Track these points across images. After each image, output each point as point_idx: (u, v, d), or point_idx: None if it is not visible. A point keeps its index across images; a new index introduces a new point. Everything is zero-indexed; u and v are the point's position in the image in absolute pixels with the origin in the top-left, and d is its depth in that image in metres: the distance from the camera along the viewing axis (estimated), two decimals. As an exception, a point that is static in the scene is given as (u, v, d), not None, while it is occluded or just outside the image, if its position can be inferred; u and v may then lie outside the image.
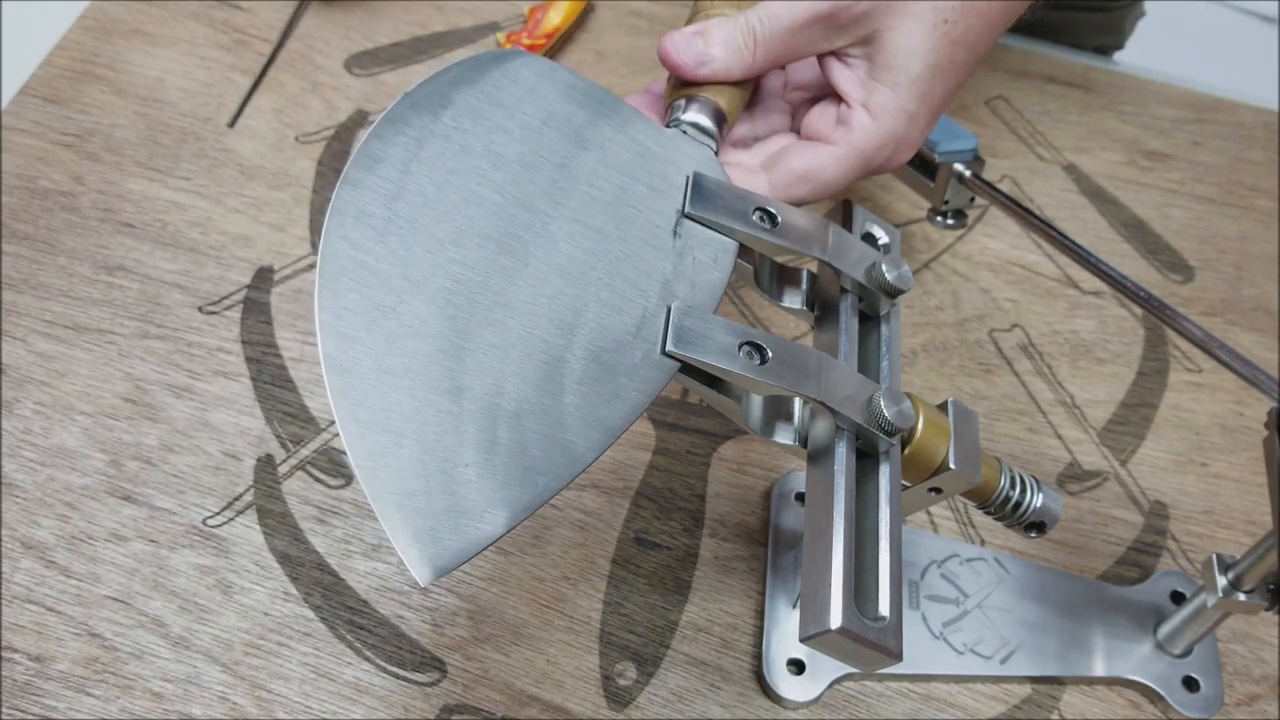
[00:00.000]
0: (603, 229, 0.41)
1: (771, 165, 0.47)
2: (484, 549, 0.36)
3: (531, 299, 0.39)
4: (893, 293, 0.44)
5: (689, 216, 0.42)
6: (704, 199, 0.42)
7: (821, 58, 0.47)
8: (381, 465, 0.35)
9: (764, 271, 0.46)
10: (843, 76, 0.46)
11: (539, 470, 0.37)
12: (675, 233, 0.42)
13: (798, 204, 0.47)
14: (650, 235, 0.42)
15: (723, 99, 0.45)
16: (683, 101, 0.45)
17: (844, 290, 0.45)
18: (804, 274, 0.47)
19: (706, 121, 0.45)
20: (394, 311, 0.37)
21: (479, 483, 0.36)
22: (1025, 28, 0.79)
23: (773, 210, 0.43)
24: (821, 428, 0.41)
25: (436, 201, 0.39)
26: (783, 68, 0.50)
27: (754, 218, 0.43)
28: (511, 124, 0.42)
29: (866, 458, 0.41)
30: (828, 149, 0.46)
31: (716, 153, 0.45)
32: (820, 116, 0.47)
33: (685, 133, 0.45)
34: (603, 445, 0.38)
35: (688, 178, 0.43)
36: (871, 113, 0.46)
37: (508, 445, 0.37)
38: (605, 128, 0.44)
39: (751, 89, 0.48)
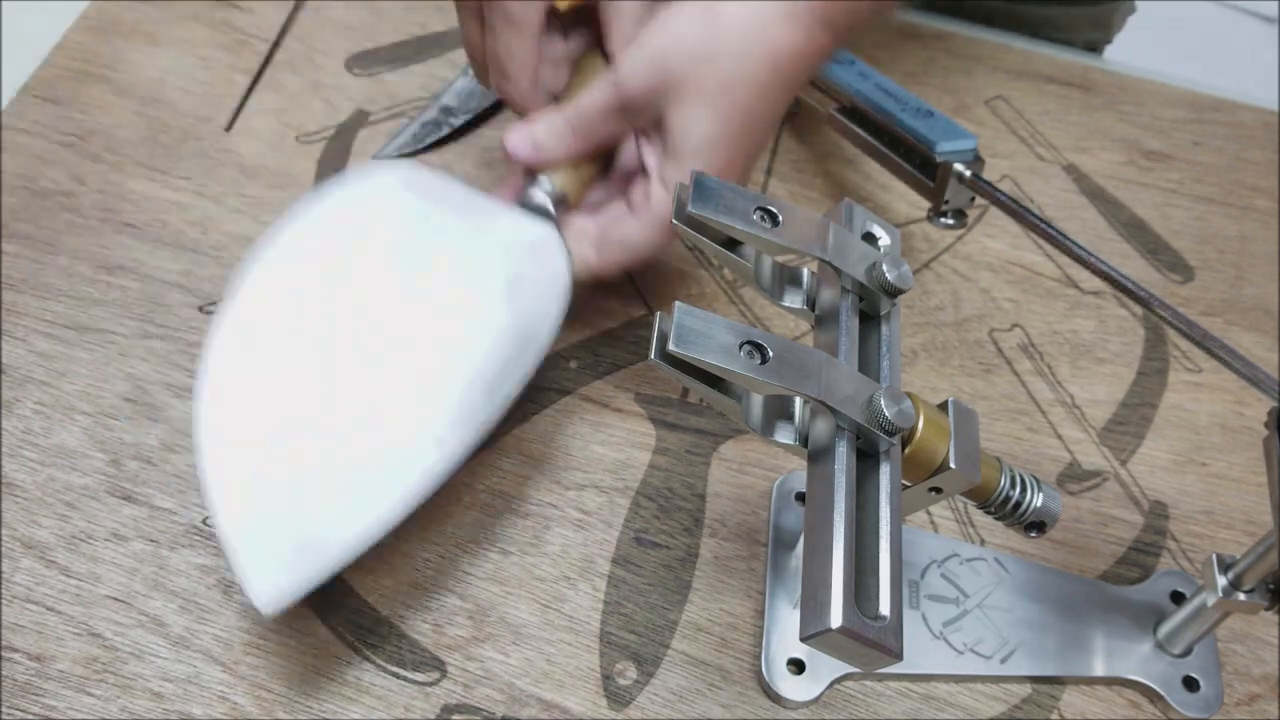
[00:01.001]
0: (438, 304, 0.51)
1: (601, 236, 0.54)
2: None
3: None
4: (893, 292, 0.44)
5: (691, 215, 0.43)
6: (705, 198, 0.42)
7: (637, 135, 0.55)
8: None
9: (764, 270, 0.46)
10: (646, 152, 0.54)
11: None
12: (506, 299, 0.51)
13: (619, 270, 0.55)
14: (485, 304, 0.51)
15: (559, 177, 0.55)
16: (529, 181, 0.55)
17: (844, 290, 0.45)
18: (804, 273, 0.47)
19: (543, 199, 0.55)
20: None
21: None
22: (1015, 24, 0.79)
23: (773, 210, 0.43)
24: (822, 427, 0.41)
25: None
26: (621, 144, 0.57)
27: (754, 216, 0.43)
28: (378, 226, 0.52)
29: (867, 457, 0.41)
30: (636, 220, 0.54)
31: (555, 219, 0.54)
32: (636, 189, 0.54)
33: (530, 209, 0.54)
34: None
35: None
36: (665, 184, 0.53)
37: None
38: (459, 217, 0.53)
39: (594, 165, 0.57)
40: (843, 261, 0.44)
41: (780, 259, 0.46)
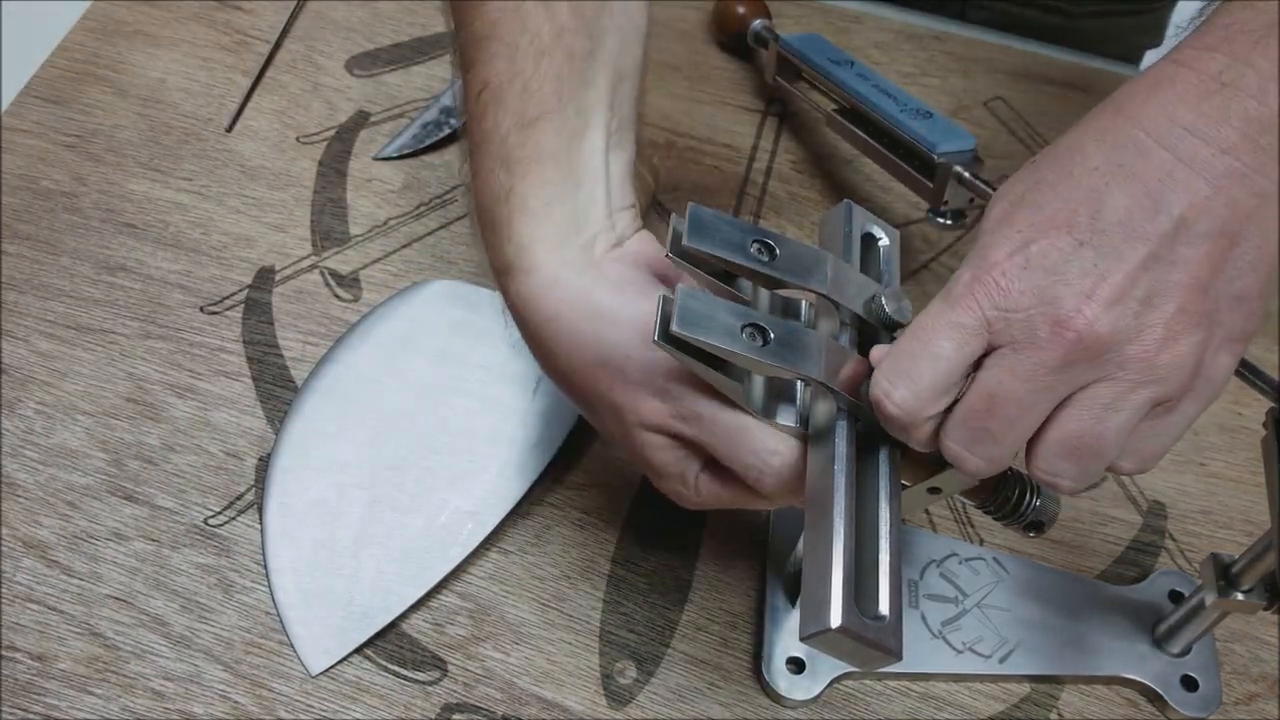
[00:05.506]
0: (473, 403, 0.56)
1: None
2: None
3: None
4: (892, 326, 0.42)
5: (686, 248, 0.41)
6: (700, 231, 0.41)
7: None
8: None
9: (761, 303, 0.44)
10: None
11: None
12: (534, 392, 0.56)
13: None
14: (514, 395, 0.56)
15: None
16: None
17: (843, 324, 0.43)
18: (802, 305, 0.45)
19: None
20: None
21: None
22: (1072, 40, 0.78)
23: (771, 242, 0.42)
24: (822, 409, 0.41)
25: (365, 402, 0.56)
26: None
27: (752, 250, 0.41)
28: (422, 334, 0.58)
29: (867, 449, 0.41)
30: None
31: None
32: None
33: None
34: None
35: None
36: None
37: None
38: (492, 320, 0.58)
39: None
40: (841, 295, 0.42)
41: (778, 290, 0.45)
